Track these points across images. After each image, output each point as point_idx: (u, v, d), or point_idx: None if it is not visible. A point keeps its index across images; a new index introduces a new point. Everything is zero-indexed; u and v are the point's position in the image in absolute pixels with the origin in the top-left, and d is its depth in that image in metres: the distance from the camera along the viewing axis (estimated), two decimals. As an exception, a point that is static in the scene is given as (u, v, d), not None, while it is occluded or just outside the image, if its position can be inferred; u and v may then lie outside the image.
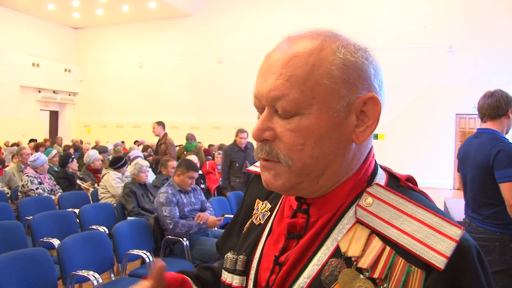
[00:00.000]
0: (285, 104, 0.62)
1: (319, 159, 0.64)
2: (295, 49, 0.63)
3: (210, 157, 8.55)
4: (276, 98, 0.63)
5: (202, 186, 5.53)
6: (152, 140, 11.99)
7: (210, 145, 10.63)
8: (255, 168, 0.88)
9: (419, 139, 11.55)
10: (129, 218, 4.05)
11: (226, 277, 0.77)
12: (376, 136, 11.85)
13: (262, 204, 0.82)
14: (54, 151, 6.52)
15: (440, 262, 0.55)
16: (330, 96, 0.62)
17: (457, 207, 5.24)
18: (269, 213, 0.79)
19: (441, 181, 11.26)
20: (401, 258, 0.58)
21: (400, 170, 0.75)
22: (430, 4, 12.07)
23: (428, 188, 10.16)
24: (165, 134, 6.65)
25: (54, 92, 17.06)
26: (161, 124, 6.60)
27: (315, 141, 0.63)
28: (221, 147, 9.94)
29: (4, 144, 12.07)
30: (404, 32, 12.17)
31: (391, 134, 11.68)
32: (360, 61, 0.64)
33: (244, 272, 0.75)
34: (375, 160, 0.72)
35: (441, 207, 5.66)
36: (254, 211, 0.83)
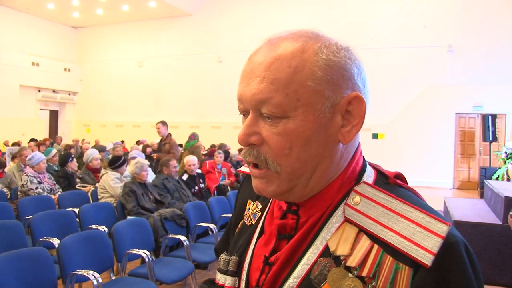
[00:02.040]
0: (270, 108, 0.62)
1: (307, 162, 0.64)
2: (277, 52, 0.63)
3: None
4: (260, 101, 0.63)
5: (202, 185, 5.53)
6: (152, 140, 11.98)
7: (212, 145, 10.60)
8: (246, 168, 0.88)
9: (419, 139, 11.55)
10: (129, 217, 4.05)
11: (219, 278, 0.78)
12: (376, 136, 11.86)
13: (253, 205, 0.83)
14: (54, 151, 6.52)
15: (427, 259, 0.55)
16: (315, 97, 0.62)
17: (457, 207, 5.26)
18: (260, 213, 0.80)
19: (441, 181, 11.27)
20: (389, 256, 0.58)
21: (400, 169, 0.75)
22: (430, 3, 12.06)
23: (428, 188, 10.18)
24: (169, 134, 6.69)
25: (54, 91, 17.04)
26: (165, 124, 6.66)
27: (302, 144, 0.63)
28: (221, 146, 9.93)
29: (4, 143, 12.06)
30: (404, 32, 12.16)
31: (391, 134, 11.69)
32: (343, 61, 0.64)
33: (236, 273, 0.76)
34: (363, 157, 0.72)
35: (441, 207, 5.68)
36: (245, 212, 0.83)
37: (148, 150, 9.15)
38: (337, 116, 0.64)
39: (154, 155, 6.98)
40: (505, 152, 8.43)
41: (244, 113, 0.68)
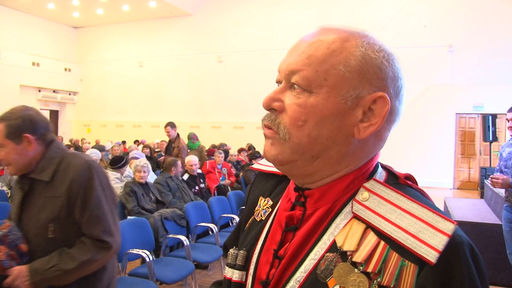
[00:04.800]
0: (298, 79, 0.66)
1: (316, 141, 0.66)
2: (323, 35, 0.67)
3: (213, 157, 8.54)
4: (292, 71, 0.67)
5: (202, 185, 5.53)
6: (152, 140, 11.99)
7: (213, 145, 10.59)
8: (259, 166, 0.91)
9: (419, 139, 11.55)
10: (129, 217, 4.05)
11: (227, 272, 0.79)
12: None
13: (264, 201, 0.83)
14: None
15: (432, 257, 0.55)
16: (342, 83, 0.64)
17: (457, 207, 5.26)
18: (270, 210, 0.81)
19: (441, 181, 11.26)
20: (395, 253, 0.59)
21: (401, 169, 0.76)
22: (430, 3, 12.07)
23: (428, 188, 10.16)
24: (178, 135, 6.65)
25: (54, 91, 17.05)
26: (174, 126, 6.61)
27: (316, 122, 0.65)
28: (221, 146, 9.93)
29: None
30: (404, 32, 12.16)
31: (391, 134, 11.62)
32: (380, 60, 0.66)
33: (244, 267, 0.77)
34: (377, 160, 0.74)
35: (441, 207, 5.72)
36: (256, 208, 0.84)
37: (147, 151, 9.01)
38: (358, 110, 0.65)
39: (161, 159, 6.93)
40: (505, 152, 8.42)
41: (279, 83, 0.72)
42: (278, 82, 0.71)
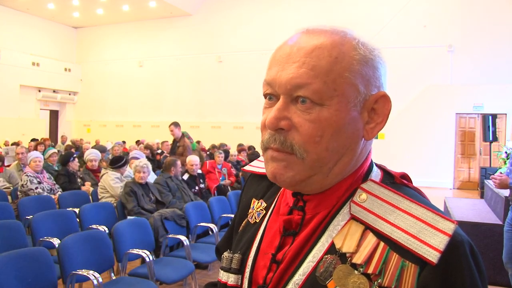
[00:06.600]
0: (308, 93, 0.62)
1: (334, 152, 0.64)
2: (318, 40, 0.64)
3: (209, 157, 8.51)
4: (298, 86, 0.63)
5: (202, 185, 5.53)
6: (152, 140, 11.97)
7: (214, 145, 10.56)
8: (251, 167, 0.89)
9: (419, 139, 11.55)
10: (129, 217, 4.05)
11: (222, 275, 0.78)
12: (376, 136, 11.83)
13: (258, 203, 0.82)
14: (51, 151, 6.52)
15: (433, 257, 0.55)
16: (350, 90, 0.63)
17: (457, 207, 5.26)
18: (264, 212, 0.80)
19: (441, 181, 11.26)
20: (395, 253, 0.59)
21: (400, 169, 0.75)
22: (430, 3, 12.06)
23: (428, 188, 10.16)
24: (183, 135, 6.67)
25: (54, 91, 17.04)
26: (178, 125, 6.63)
27: (332, 134, 0.63)
28: (221, 146, 9.93)
29: (4, 144, 12.06)
30: (404, 32, 12.16)
31: (391, 134, 11.69)
32: (376, 60, 0.66)
33: (239, 271, 0.76)
34: (371, 158, 0.74)
35: (441, 207, 5.71)
36: (249, 210, 0.83)
37: (147, 152, 8.97)
38: (365, 112, 0.66)
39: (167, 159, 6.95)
40: (505, 152, 8.42)
41: (270, 96, 0.68)
42: (270, 95, 0.67)
